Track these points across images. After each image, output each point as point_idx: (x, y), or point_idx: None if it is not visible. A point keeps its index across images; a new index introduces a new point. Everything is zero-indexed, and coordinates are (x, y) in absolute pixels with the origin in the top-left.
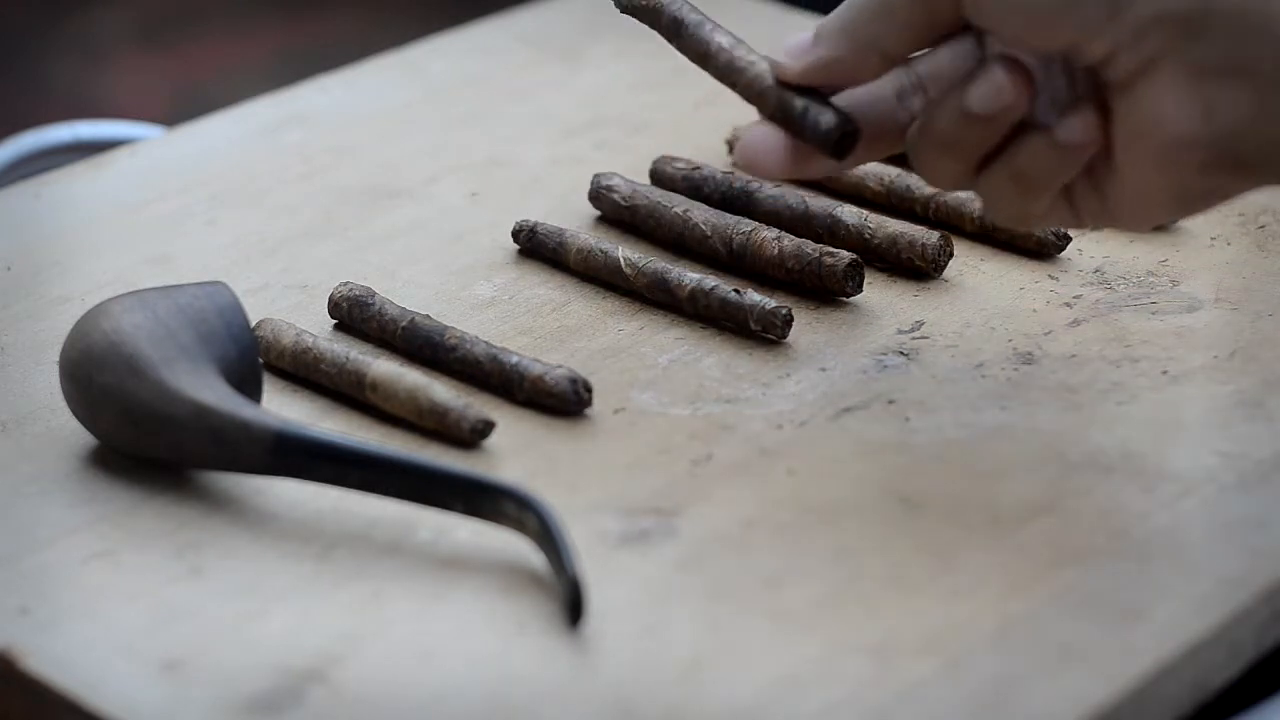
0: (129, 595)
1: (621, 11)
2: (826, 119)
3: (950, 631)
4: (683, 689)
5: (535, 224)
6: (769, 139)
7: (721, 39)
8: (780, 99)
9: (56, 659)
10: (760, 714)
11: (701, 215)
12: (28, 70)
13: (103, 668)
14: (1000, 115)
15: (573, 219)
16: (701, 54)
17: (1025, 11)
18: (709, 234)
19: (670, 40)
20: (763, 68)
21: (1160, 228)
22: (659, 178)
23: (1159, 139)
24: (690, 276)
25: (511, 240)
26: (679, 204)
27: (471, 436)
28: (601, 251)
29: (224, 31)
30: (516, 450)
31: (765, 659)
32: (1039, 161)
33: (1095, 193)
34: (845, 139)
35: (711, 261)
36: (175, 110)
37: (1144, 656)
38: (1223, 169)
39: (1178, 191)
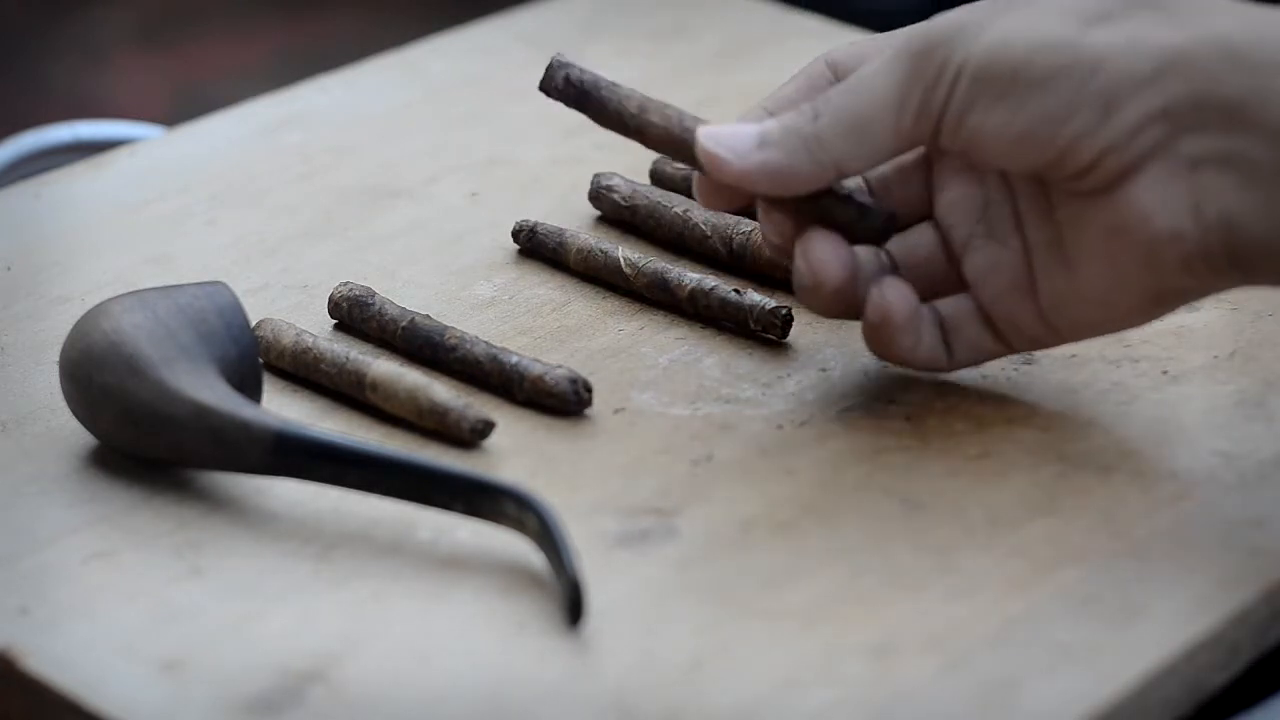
0: (129, 595)
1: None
2: (877, 213)
3: (950, 631)
4: (683, 689)
5: (535, 224)
6: (837, 247)
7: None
8: (824, 204)
9: (56, 659)
10: (760, 714)
11: (701, 215)
12: (28, 70)
13: (103, 668)
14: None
15: (573, 219)
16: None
17: (1015, 129)
18: (709, 234)
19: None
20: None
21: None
22: (659, 178)
23: (1144, 235)
24: (690, 276)
25: (511, 240)
26: (679, 204)
27: (471, 436)
28: (601, 251)
29: (224, 31)
30: (516, 450)
31: (765, 659)
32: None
33: (1030, 309)
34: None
35: (711, 261)
36: (175, 110)
37: (1144, 656)
38: (1208, 265)
39: (1154, 291)
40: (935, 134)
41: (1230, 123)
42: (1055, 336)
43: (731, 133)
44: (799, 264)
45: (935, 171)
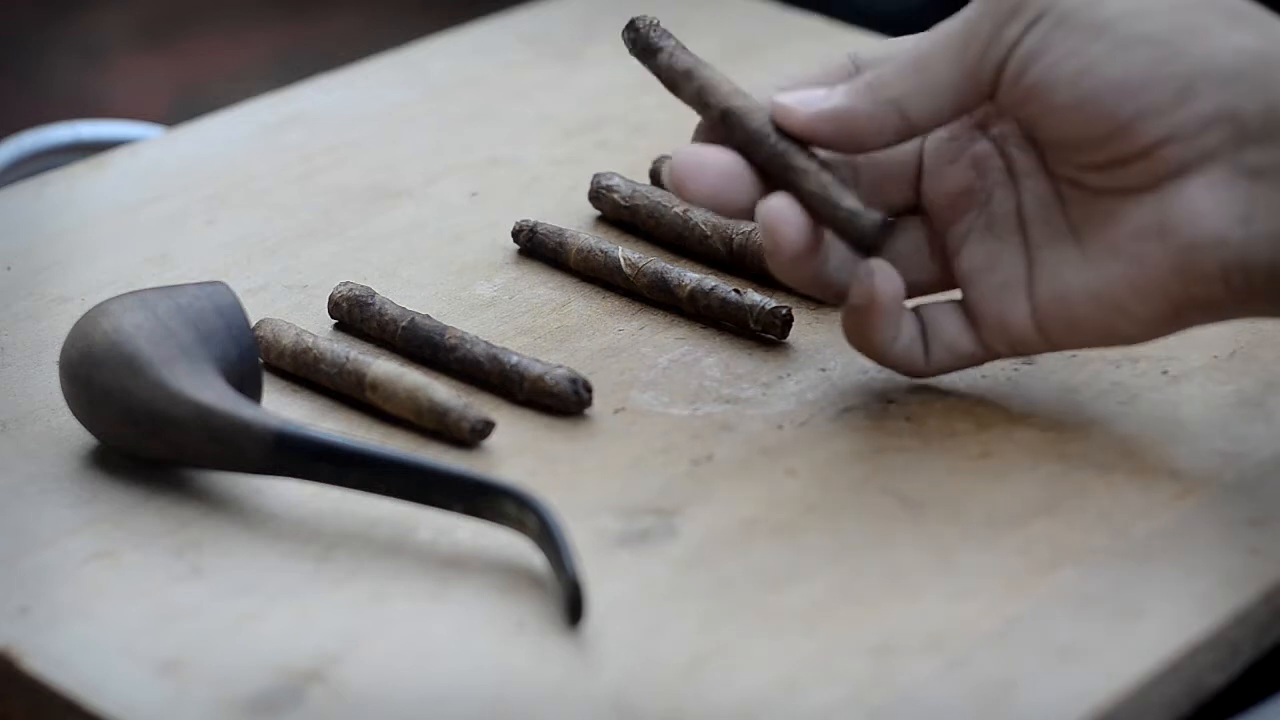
0: (129, 595)
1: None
2: (870, 216)
3: (950, 631)
4: (683, 689)
5: (535, 224)
6: (795, 215)
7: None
8: (822, 181)
9: (56, 659)
10: (760, 714)
11: (701, 215)
12: (28, 70)
13: (103, 668)
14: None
15: (573, 219)
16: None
17: (1084, 88)
18: (709, 234)
19: (675, 87)
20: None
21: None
22: (659, 178)
23: (1186, 237)
24: (690, 276)
25: (511, 240)
26: (679, 204)
27: (471, 436)
28: (601, 251)
29: (224, 31)
30: (516, 450)
31: (765, 659)
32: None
33: (1022, 309)
34: (882, 235)
35: (711, 261)
36: (175, 110)
37: (1144, 656)
38: (1246, 279)
39: (1177, 300)
40: (997, 77)
41: None
42: (1043, 341)
43: (803, 90)
44: (759, 224)
45: (929, 163)
